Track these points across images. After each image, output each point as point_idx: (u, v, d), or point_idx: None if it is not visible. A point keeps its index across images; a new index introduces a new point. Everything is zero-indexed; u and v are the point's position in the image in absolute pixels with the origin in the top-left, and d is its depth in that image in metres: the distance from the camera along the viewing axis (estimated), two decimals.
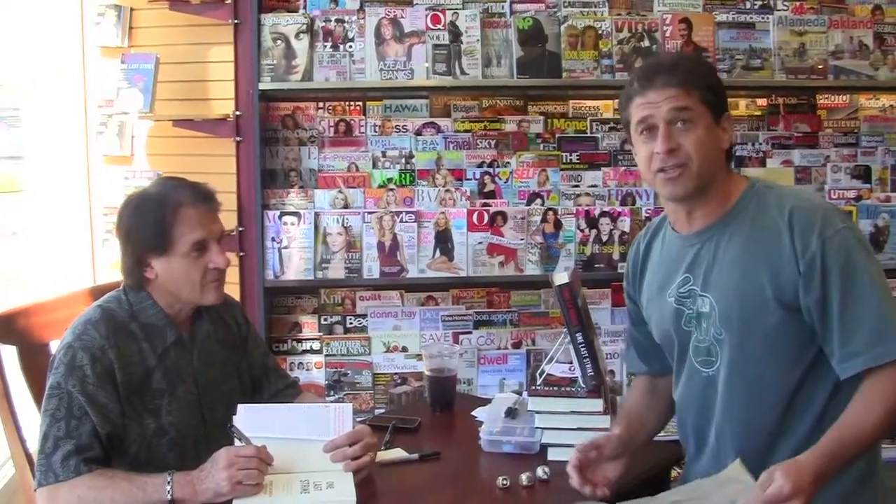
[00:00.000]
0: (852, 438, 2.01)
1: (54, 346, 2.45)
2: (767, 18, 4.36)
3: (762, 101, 4.61)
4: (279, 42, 4.12)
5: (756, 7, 4.45)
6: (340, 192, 4.22)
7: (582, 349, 2.57)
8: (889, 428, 2.03)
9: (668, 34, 4.25)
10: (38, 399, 2.49)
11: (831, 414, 2.10)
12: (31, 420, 2.51)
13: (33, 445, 2.35)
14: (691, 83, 2.21)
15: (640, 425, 2.53)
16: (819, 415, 2.16)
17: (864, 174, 4.49)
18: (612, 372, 4.27)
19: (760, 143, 4.48)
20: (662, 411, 2.59)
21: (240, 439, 2.27)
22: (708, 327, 2.27)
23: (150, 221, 2.41)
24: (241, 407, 2.36)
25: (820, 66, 4.35)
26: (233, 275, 4.11)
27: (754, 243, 2.19)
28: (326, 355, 4.28)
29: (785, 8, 4.45)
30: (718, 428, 2.31)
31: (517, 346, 4.35)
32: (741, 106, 4.60)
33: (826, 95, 4.64)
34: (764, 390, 2.21)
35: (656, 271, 2.47)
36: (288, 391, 2.82)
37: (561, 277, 2.53)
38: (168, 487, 2.18)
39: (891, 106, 4.68)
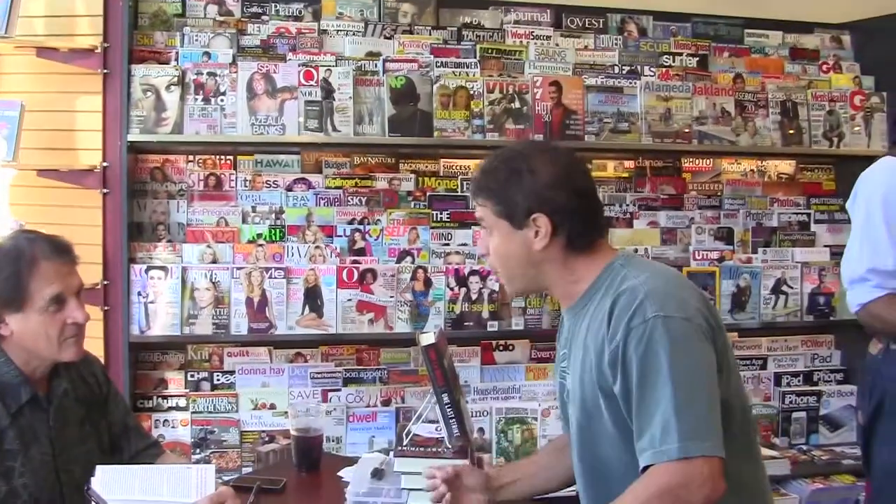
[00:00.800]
0: None
1: None
2: (635, 83, 4.48)
3: (630, 164, 4.73)
4: (149, 93, 4.07)
5: (624, 72, 4.57)
6: (209, 246, 4.16)
7: (448, 409, 2.58)
8: None
9: (538, 96, 4.33)
10: None
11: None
12: None
13: None
14: (481, 196, 2.34)
15: (521, 474, 2.63)
16: None
17: (726, 236, 4.63)
18: (480, 429, 4.28)
19: (628, 205, 4.58)
20: (562, 471, 2.61)
21: (97, 502, 2.21)
22: (571, 404, 2.32)
23: (4, 276, 2.34)
24: (99, 468, 2.29)
25: (685, 131, 4.49)
26: (97, 329, 4.01)
27: (592, 325, 2.22)
28: (193, 412, 4.19)
29: (652, 74, 4.59)
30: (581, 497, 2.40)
31: (387, 403, 4.33)
32: (609, 167, 4.71)
33: (690, 159, 4.79)
34: (600, 473, 2.26)
35: (559, 343, 2.50)
36: (149, 451, 2.77)
37: (427, 338, 2.54)
38: None
39: (751, 170, 4.86)
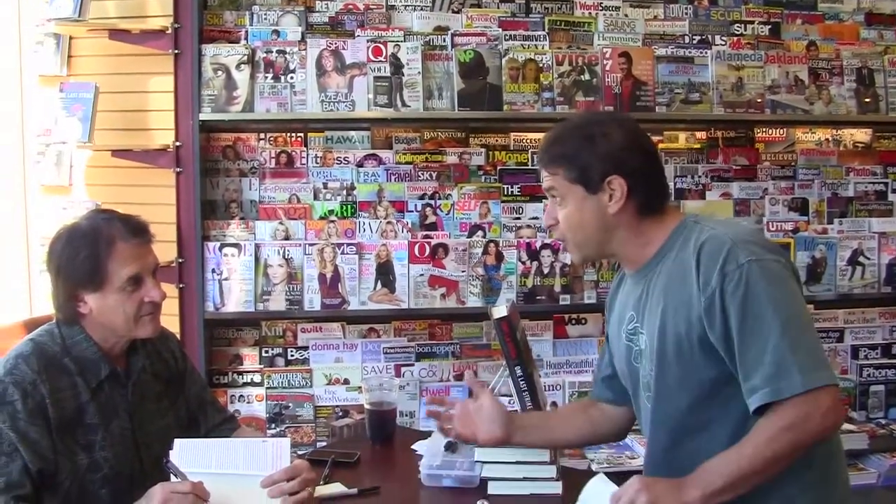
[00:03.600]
0: (748, 467, 2.03)
1: None
2: (706, 53, 4.42)
3: (701, 135, 4.67)
4: (220, 73, 4.10)
5: (695, 42, 4.51)
6: (281, 223, 4.20)
7: (521, 382, 2.59)
8: (790, 459, 2.04)
9: (608, 68, 4.29)
10: None
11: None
12: None
13: None
14: (553, 165, 2.32)
15: (542, 423, 2.65)
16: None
17: (801, 206, 4.56)
18: (553, 404, 4.27)
19: (700, 176, 4.52)
20: (579, 431, 2.67)
21: (175, 475, 2.23)
22: (646, 364, 2.31)
23: (83, 257, 2.37)
24: (177, 442, 2.31)
25: (757, 101, 4.42)
26: (172, 307, 4.06)
27: (671, 280, 2.22)
28: (267, 388, 4.23)
29: (723, 43, 4.52)
30: (649, 458, 2.40)
31: (459, 378, 4.33)
32: (681, 139, 4.65)
33: (763, 129, 4.71)
34: (678, 426, 2.27)
35: (617, 309, 2.51)
36: (225, 426, 2.80)
37: (499, 311, 2.55)
38: None
39: (826, 140, 4.76)
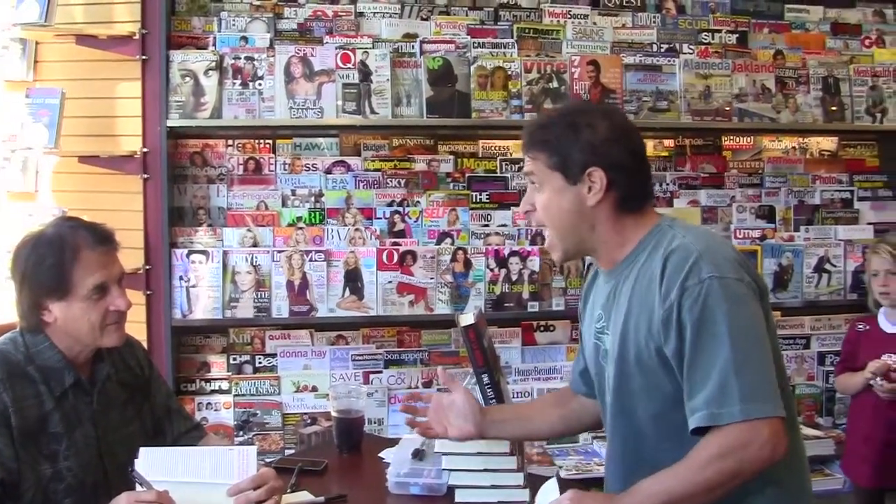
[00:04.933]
0: (680, 491, 2.00)
1: None
2: (673, 62, 4.45)
3: (669, 142, 4.70)
4: (188, 79, 4.09)
5: (663, 50, 4.54)
6: (249, 230, 4.19)
7: (488, 390, 2.59)
8: (725, 487, 1.99)
9: (576, 76, 4.31)
10: None
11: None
12: None
13: None
14: (534, 149, 2.28)
15: (516, 416, 2.65)
16: None
17: (768, 214, 4.60)
18: None
19: (668, 184, 4.56)
20: (554, 424, 2.67)
21: (141, 484, 2.22)
22: (609, 366, 2.28)
23: (48, 265, 2.36)
24: (142, 450, 2.30)
25: (725, 109, 4.45)
26: (139, 314, 4.05)
27: (638, 285, 2.19)
28: (235, 395, 4.22)
29: (690, 52, 4.56)
30: (607, 461, 2.40)
31: (428, 385, 4.34)
32: (649, 146, 4.65)
33: (731, 137, 4.76)
34: (635, 434, 2.24)
35: (591, 303, 2.47)
36: (192, 434, 2.79)
37: (466, 318, 2.54)
38: None
39: (793, 148, 4.81)
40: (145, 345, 3.78)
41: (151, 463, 2.28)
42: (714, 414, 1.98)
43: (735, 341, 1.99)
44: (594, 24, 4.58)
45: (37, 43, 4.19)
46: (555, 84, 4.31)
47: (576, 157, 2.21)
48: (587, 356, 2.47)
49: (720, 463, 1.97)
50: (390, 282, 4.16)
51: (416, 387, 4.31)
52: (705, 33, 4.67)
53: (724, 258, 2.10)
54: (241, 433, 4.19)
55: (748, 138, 4.78)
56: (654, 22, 4.66)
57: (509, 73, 4.28)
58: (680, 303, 2.04)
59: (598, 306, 2.37)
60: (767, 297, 2.20)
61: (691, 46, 4.59)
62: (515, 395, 4.22)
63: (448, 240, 4.29)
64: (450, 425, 2.53)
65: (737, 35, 4.69)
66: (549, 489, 2.23)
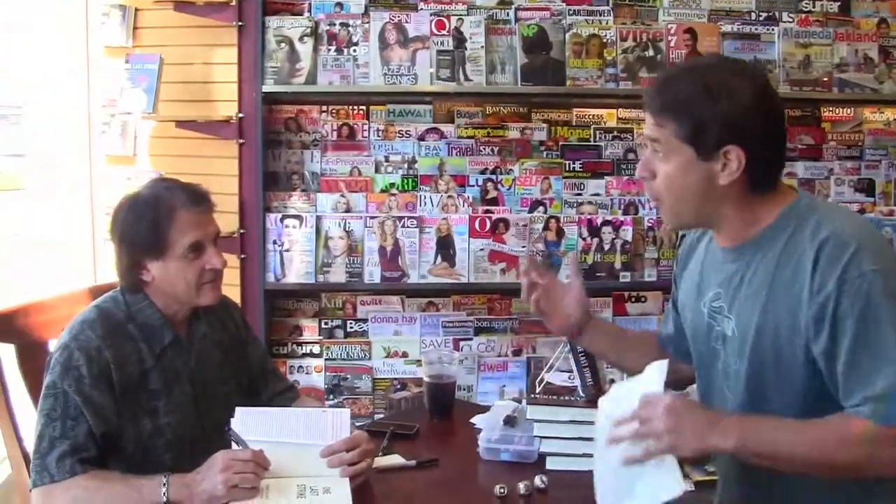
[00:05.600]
0: (802, 454, 1.86)
1: (53, 345, 2.44)
2: (773, 30, 4.36)
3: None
4: (283, 45, 4.12)
5: (761, 18, 4.44)
6: (342, 196, 4.22)
7: (581, 358, 2.57)
8: (843, 473, 1.86)
9: (672, 44, 4.25)
10: (35, 398, 2.48)
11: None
12: (29, 419, 2.50)
13: (30, 445, 2.33)
14: (662, 114, 2.00)
15: (615, 338, 2.61)
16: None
17: (867, 187, 4.50)
18: (612, 381, 4.25)
19: None
20: (640, 360, 2.32)
21: (237, 443, 2.26)
22: (730, 353, 2.10)
23: (145, 225, 2.39)
24: (238, 410, 2.34)
25: (825, 79, 4.36)
26: (233, 277, 4.11)
27: (780, 273, 1.96)
28: (326, 359, 4.28)
29: (790, 20, 4.44)
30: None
31: (517, 353, 4.35)
32: None
33: (830, 108, 4.63)
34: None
35: (696, 273, 2.28)
36: (286, 395, 2.82)
37: None
38: (163, 490, 2.17)
39: (895, 119, 4.68)
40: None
41: (247, 422, 2.31)
42: (880, 414, 1.79)
43: None
44: None
45: (136, 9, 4.24)
46: (650, 52, 4.25)
47: (713, 132, 1.94)
48: (691, 331, 2.31)
49: (862, 452, 1.82)
50: (482, 249, 4.16)
51: (506, 355, 4.32)
52: (806, 1, 4.55)
53: (884, 248, 1.92)
54: (331, 397, 4.24)
55: (848, 109, 4.66)
56: None
57: (605, 40, 4.24)
58: (838, 297, 1.83)
59: (712, 283, 2.17)
60: None
61: (791, 14, 4.48)
62: (606, 366, 4.19)
63: (540, 208, 4.27)
64: (553, 310, 2.48)
65: (839, 3, 4.56)
66: (651, 377, 2.04)
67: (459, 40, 4.17)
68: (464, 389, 4.21)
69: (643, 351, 2.50)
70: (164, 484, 2.18)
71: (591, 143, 4.44)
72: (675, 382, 2.42)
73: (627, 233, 4.21)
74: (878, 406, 1.79)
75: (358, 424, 2.71)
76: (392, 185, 4.29)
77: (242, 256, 4.20)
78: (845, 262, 1.83)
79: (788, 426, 1.88)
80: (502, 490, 2.31)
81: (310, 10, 4.25)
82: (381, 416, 4.06)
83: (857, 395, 1.83)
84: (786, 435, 1.87)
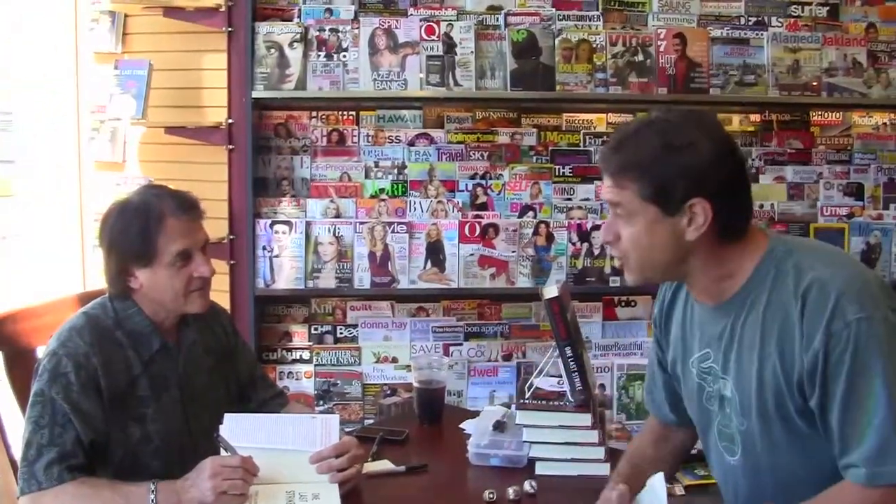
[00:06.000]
0: None
1: (41, 352, 2.43)
2: (761, 35, 4.37)
3: (756, 117, 4.62)
4: (273, 51, 4.12)
5: (750, 23, 4.46)
6: (332, 201, 4.21)
7: (571, 363, 2.56)
8: None
9: (662, 49, 4.26)
10: (23, 405, 2.47)
11: None
12: (17, 426, 2.49)
13: (18, 452, 2.32)
14: (622, 175, 1.93)
15: (641, 472, 2.27)
16: None
17: (856, 191, 4.50)
18: (601, 386, 4.27)
19: (753, 159, 4.48)
20: (668, 464, 2.36)
21: (226, 449, 2.25)
22: (730, 413, 2.03)
23: (134, 232, 2.38)
24: (227, 416, 2.34)
25: (814, 83, 4.37)
26: (223, 283, 4.11)
27: (770, 325, 1.90)
28: (316, 365, 4.28)
29: (779, 25, 4.46)
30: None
31: (508, 358, 4.35)
32: (735, 121, 4.60)
33: (819, 112, 4.65)
34: (792, 486, 1.96)
35: (680, 331, 2.21)
36: (275, 401, 2.81)
37: (550, 291, 2.52)
38: (152, 496, 2.16)
39: (884, 124, 4.70)
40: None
41: (236, 428, 2.31)
42: (874, 473, 1.76)
43: (893, 391, 1.76)
44: None
45: (125, 15, 4.24)
46: (640, 57, 4.26)
47: (677, 188, 1.88)
48: (684, 392, 2.25)
49: None
50: (472, 254, 4.16)
51: (496, 360, 4.33)
52: (794, 6, 4.56)
53: (867, 290, 1.84)
54: (321, 402, 4.24)
55: (837, 114, 4.67)
56: None
57: (594, 45, 4.24)
58: (826, 351, 1.79)
59: (701, 342, 2.10)
60: None
61: (780, 19, 4.49)
62: (596, 371, 4.21)
63: (530, 213, 4.28)
64: None
65: (827, 8, 4.57)
66: (655, 490, 2.03)
67: (449, 45, 4.17)
68: (454, 395, 4.22)
69: (663, 453, 2.41)
70: (153, 491, 2.17)
71: (581, 147, 4.45)
72: (672, 456, 2.41)
73: None
74: (871, 467, 1.77)
75: (347, 430, 2.71)
76: (382, 190, 4.29)
77: (232, 262, 4.20)
78: (829, 315, 1.80)
79: None
80: (491, 495, 2.31)
81: (299, 16, 4.25)
82: (372, 421, 4.07)
83: (851, 454, 1.80)
84: None
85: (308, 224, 4.15)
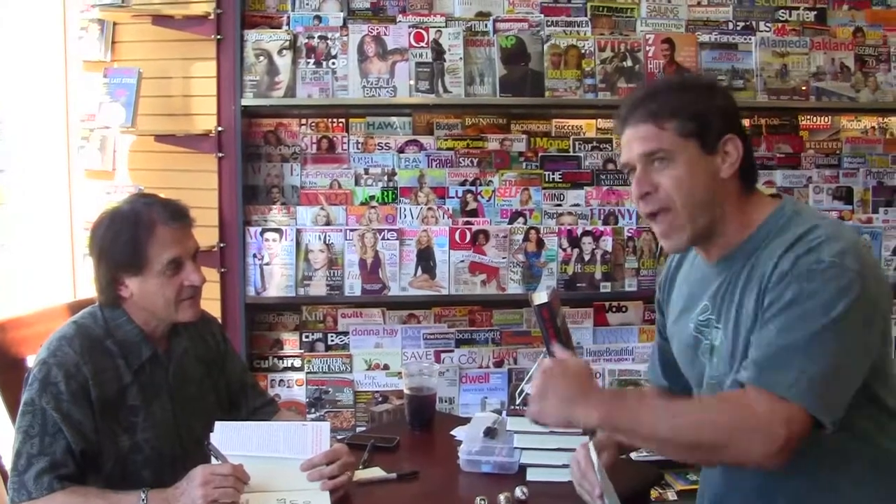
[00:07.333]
0: (666, 433, 1.84)
1: (31, 361, 2.43)
2: (750, 40, 4.39)
3: (744, 122, 4.55)
4: (262, 58, 4.12)
5: (738, 28, 4.47)
6: (322, 208, 4.22)
7: None
8: (710, 456, 1.86)
9: (650, 54, 4.27)
10: (13, 415, 2.47)
11: (828, 470, 1.92)
12: (6, 435, 2.49)
13: (8, 462, 2.32)
14: (661, 117, 1.99)
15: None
16: (814, 468, 1.92)
17: (845, 195, 4.51)
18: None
19: None
20: None
21: (216, 457, 2.25)
22: (718, 363, 2.06)
23: (124, 241, 2.38)
24: (217, 424, 2.34)
25: (802, 88, 4.38)
26: (214, 291, 4.10)
27: (760, 267, 1.94)
28: (307, 372, 4.27)
29: (767, 29, 4.48)
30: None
31: (499, 364, 4.35)
32: None
33: (808, 117, 4.66)
34: None
35: (682, 291, 2.26)
36: (266, 409, 2.81)
37: (540, 297, 2.52)
38: None
39: (872, 128, 4.71)
40: (219, 321, 3.82)
41: (226, 437, 2.31)
42: (760, 374, 1.81)
43: (827, 335, 1.78)
44: (669, 1, 4.51)
45: (114, 24, 4.24)
46: (629, 63, 4.27)
47: (715, 122, 1.98)
48: (677, 348, 2.27)
49: (728, 430, 1.79)
50: (462, 261, 4.17)
51: (487, 366, 4.33)
52: (782, 10, 4.57)
53: (857, 251, 1.87)
54: (312, 410, 4.23)
55: (826, 118, 4.69)
56: None
57: (583, 51, 4.25)
58: (791, 270, 1.84)
59: (701, 298, 2.13)
60: (890, 299, 1.95)
61: (768, 24, 4.51)
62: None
63: (520, 219, 4.28)
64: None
65: (815, 12, 4.59)
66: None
67: (438, 52, 4.18)
68: (445, 401, 4.21)
69: None
70: (143, 499, 2.18)
71: (571, 153, 4.45)
72: None
73: (607, 243, 4.22)
74: (761, 368, 1.81)
75: (339, 437, 2.71)
76: (372, 197, 4.30)
77: (222, 270, 4.20)
78: (808, 248, 1.85)
79: (656, 407, 1.97)
80: (483, 502, 2.31)
81: (288, 24, 4.26)
82: (363, 428, 4.07)
83: (760, 353, 1.83)
84: (650, 415, 1.89)
85: (298, 231, 4.14)
